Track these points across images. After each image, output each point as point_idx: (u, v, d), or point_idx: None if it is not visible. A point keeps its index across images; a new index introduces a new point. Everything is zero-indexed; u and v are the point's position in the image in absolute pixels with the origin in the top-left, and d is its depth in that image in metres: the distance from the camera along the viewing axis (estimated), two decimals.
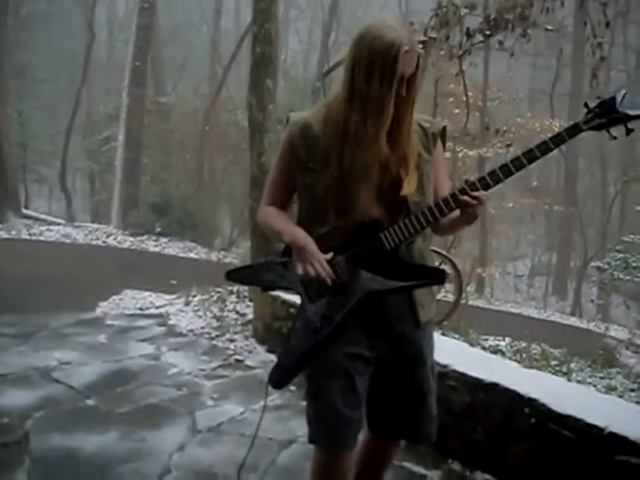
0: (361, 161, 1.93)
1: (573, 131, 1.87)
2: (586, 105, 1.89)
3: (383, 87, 1.84)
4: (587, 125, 1.86)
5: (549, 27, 7.45)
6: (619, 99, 1.84)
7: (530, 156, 1.87)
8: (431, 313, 2.18)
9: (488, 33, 6.77)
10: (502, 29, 6.69)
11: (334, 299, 2.00)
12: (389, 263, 1.98)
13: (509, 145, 10.96)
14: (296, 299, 2.11)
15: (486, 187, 1.91)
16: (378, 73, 1.83)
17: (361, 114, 1.89)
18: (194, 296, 7.53)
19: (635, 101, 1.84)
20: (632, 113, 1.82)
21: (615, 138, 1.90)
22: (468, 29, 6.82)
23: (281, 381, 2.12)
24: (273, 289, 2.28)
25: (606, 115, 1.84)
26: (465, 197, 1.90)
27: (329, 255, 1.98)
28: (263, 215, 2.21)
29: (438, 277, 2.04)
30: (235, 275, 2.32)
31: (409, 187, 1.98)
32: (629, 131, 1.86)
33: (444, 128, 2.16)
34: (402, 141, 1.96)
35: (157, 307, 7.38)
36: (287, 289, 2.18)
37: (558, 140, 1.86)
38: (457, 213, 1.96)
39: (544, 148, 1.87)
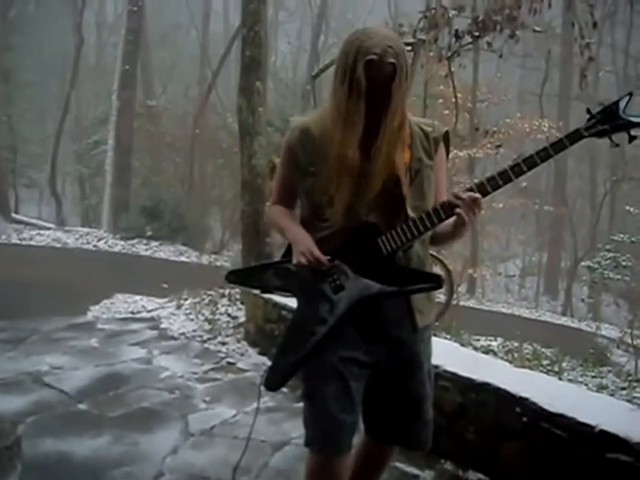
0: (340, 166, 1.94)
1: (574, 137, 1.84)
2: (588, 110, 1.87)
3: (351, 96, 1.86)
4: (589, 132, 1.84)
5: (537, 28, 7.48)
6: (622, 105, 1.82)
7: (530, 162, 1.86)
8: (429, 318, 2.18)
9: (476, 34, 6.78)
10: (490, 30, 6.71)
11: (330, 302, 1.99)
12: (387, 267, 1.98)
13: (498, 146, 11.02)
14: (287, 301, 2.12)
15: (485, 192, 1.90)
16: (348, 79, 1.86)
17: (339, 119, 1.91)
18: (185, 299, 7.53)
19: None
20: (635, 120, 1.80)
21: (617, 145, 1.88)
22: (457, 30, 6.83)
23: (275, 383, 2.10)
24: (271, 292, 2.28)
25: (608, 121, 1.82)
26: (461, 199, 1.89)
27: (326, 258, 1.99)
28: (270, 214, 2.28)
29: (435, 283, 2.02)
30: (235, 277, 2.32)
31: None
32: (631, 139, 1.84)
33: (446, 132, 2.15)
34: (383, 151, 1.94)
35: (149, 311, 7.37)
36: (284, 291, 2.19)
37: (558, 146, 1.84)
38: (451, 219, 1.95)
39: (544, 155, 1.85)
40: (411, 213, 1.99)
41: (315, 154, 2.02)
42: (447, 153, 2.18)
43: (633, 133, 1.83)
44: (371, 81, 1.85)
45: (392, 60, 1.84)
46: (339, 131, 1.91)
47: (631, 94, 1.84)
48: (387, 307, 2.06)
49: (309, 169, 2.05)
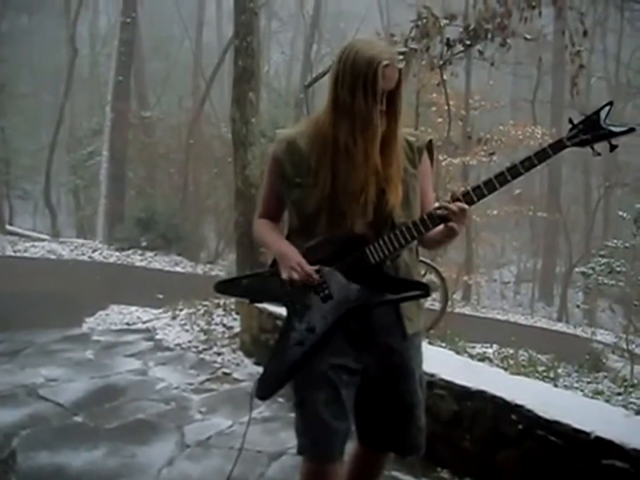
0: (355, 177, 1.95)
1: (557, 147, 1.88)
2: (570, 121, 1.90)
3: (367, 101, 1.89)
4: (571, 141, 1.88)
5: (528, 36, 7.51)
6: (603, 115, 1.85)
7: (514, 172, 1.90)
8: (418, 325, 2.19)
9: (468, 42, 6.81)
10: (482, 38, 6.75)
11: (319, 311, 2.01)
12: (375, 276, 2.00)
13: (491, 154, 11.05)
14: (282, 311, 2.13)
15: (470, 202, 1.93)
16: (362, 87, 1.87)
17: (349, 130, 1.93)
18: (180, 310, 7.51)
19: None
20: (616, 129, 1.84)
21: (598, 154, 1.91)
22: (448, 39, 6.86)
23: (266, 393, 2.12)
24: (260, 302, 2.29)
25: (590, 131, 1.86)
26: (449, 210, 1.91)
27: (315, 267, 2.00)
28: (256, 228, 2.28)
29: (422, 291, 2.04)
30: (223, 287, 2.32)
31: (393, 199, 1.99)
32: (612, 148, 1.88)
33: (430, 142, 2.17)
34: (390, 155, 1.98)
35: (144, 322, 7.35)
36: (273, 300, 2.20)
37: (542, 156, 1.88)
38: (441, 227, 1.97)
39: (528, 164, 1.89)
40: (396, 222, 2.01)
41: (302, 166, 2.04)
42: (432, 161, 2.21)
43: (613, 142, 1.87)
44: (383, 86, 1.89)
45: (400, 65, 1.92)
46: (357, 141, 1.92)
47: (611, 103, 1.88)
48: (376, 314, 2.07)
49: (295, 181, 2.06)
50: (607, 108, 1.86)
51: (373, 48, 1.89)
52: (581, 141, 1.87)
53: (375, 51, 1.88)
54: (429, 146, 2.17)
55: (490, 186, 1.91)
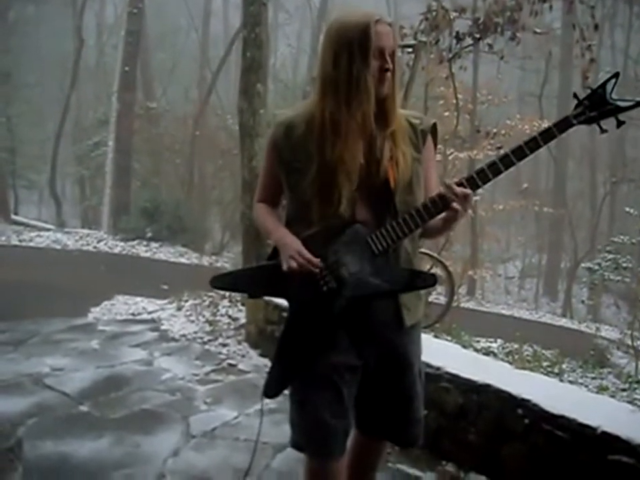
0: (343, 150, 1.89)
1: (563, 125, 1.80)
2: (575, 95, 1.83)
3: (356, 64, 1.82)
4: (578, 119, 1.80)
5: (538, 30, 7.47)
6: (609, 88, 1.78)
7: (519, 153, 1.82)
8: (417, 316, 2.13)
9: (477, 36, 6.78)
10: (491, 32, 6.71)
11: (322, 304, 1.96)
12: (377, 265, 1.94)
13: (499, 148, 11.00)
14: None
15: (475, 186, 1.87)
16: (351, 51, 1.82)
17: (334, 100, 1.88)
18: (186, 301, 7.52)
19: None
20: (623, 104, 1.77)
21: (605, 131, 1.83)
22: (457, 32, 6.83)
23: (273, 391, 2.09)
24: (259, 296, 2.24)
25: (597, 107, 1.79)
26: (452, 194, 1.85)
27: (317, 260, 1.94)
28: (256, 212, 2.22)
29: (427, 281, 2.00)
30: (220, 282, 2.19)
31: (395, 171, 1.94)
32: (619, 124, 1.81)
33: (434, 125, 2.10)
34: (391, 121, 1.93)
35: (149, 312, 7.37)
36: (274, 295, 2.14)
37: (547, 136, 1.81)
38: (442, 214, 1.91)
39: (533, 144, 1.81)
40: (398, 208, 1.95)
41: (300, 149, 1.98)
42: (435, 146, 2.14)
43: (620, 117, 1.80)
44: (382, 44, 1.84)
45: (389, 21, 1.86)
46: (343, 111, 1.86)
47: (617, 74, 1.80)
48: (376, 306, 2.02)
49: (293, 165, 2.00)
50: (613, 81, 1.78)
51: (356, 13, 1.86)
52: (588, 118, 1.80)
53: (359, 13, 1.85)
54: (433, 129, 2.09)
55: (495, 169, 1.84)
